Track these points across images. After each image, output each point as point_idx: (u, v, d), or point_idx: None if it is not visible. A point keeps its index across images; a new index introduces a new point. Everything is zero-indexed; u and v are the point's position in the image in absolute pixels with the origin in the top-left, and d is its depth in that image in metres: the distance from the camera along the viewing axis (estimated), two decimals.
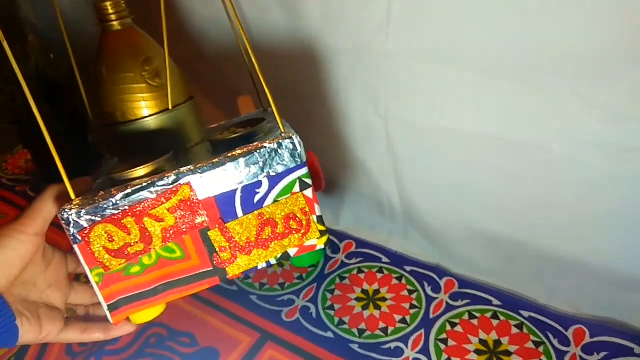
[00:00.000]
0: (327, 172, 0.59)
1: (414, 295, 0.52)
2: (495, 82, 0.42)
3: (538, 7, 0.37)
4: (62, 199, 0.39)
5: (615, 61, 0.36)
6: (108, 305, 0.40)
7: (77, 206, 0.37)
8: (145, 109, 0.43)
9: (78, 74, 0.48)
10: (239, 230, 0.40)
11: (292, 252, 0.41)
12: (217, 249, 0.40)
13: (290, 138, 0.38)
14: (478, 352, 0.46)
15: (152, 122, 0.43)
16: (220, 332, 0.49)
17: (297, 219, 0.40)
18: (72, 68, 0.65)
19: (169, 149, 0.42)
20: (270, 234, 0.40)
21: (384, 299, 0.52)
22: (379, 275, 0.55)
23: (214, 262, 0.40)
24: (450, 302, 0.51)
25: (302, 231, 0.41)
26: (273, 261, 0.41)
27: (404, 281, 0.54)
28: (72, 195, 0.37)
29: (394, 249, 0.58)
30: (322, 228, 0.41)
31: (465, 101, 0.45)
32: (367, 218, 0.61)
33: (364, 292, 0.53)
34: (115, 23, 0.43)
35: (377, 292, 0.53)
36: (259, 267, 0.41)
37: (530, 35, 0.38)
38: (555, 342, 0.46)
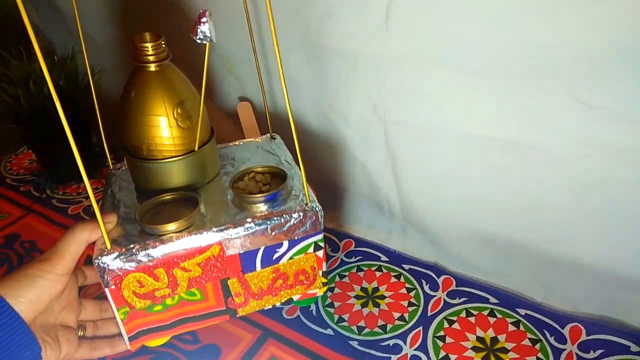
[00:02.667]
0: (327, 171, 0.60)
1: (412, 293, 0.53)
2: (493, 83, 0.42)
3: (536, 8, 0.37)
4: (91, 237, 0.40)
5: (612, 62, 0.36)
6: (129, 337, 0.43)
7: (113, 256, 0.39)
8: (172, 151, 0.44)
9: (99, 112, 0.48)
10: (255, 281, 0.45)
11: (296, 297, 0.48)
12: (233, 294, 0.45)
13: (315, 210, 0.43)
14: (475, 349, 0.47)
15: (176, 162, 0.45)
16: (221, 330, 0.50)
17: (306, 273, 0.46)
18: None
19: (189, 186, 0.45)
20: (281, 284, 0.46)
21: (382, 297, 0.53)
22: (378, 274, 0.55)
23: (228, 305, 0.45)
24: (448, 299, 0.52)
25: (308, 283, 0.47)
26: (278, 305, 0.47)
27: (402, 279, 0.55)
28: (108, 245, 0.39)
29: (392, 248, 0.59)
30: (324, 280, 0.48)
31: (463, 102, 0.45)
32: (366, 217, 0.61)
33: (363, 290, 0.54)
34: (152, 65, 0.42)
35: (376, 290, 0.54)
36: (265, 309, 0.47)
37: (528, 36, 0.38)
38: (551, 339, 0.47)
